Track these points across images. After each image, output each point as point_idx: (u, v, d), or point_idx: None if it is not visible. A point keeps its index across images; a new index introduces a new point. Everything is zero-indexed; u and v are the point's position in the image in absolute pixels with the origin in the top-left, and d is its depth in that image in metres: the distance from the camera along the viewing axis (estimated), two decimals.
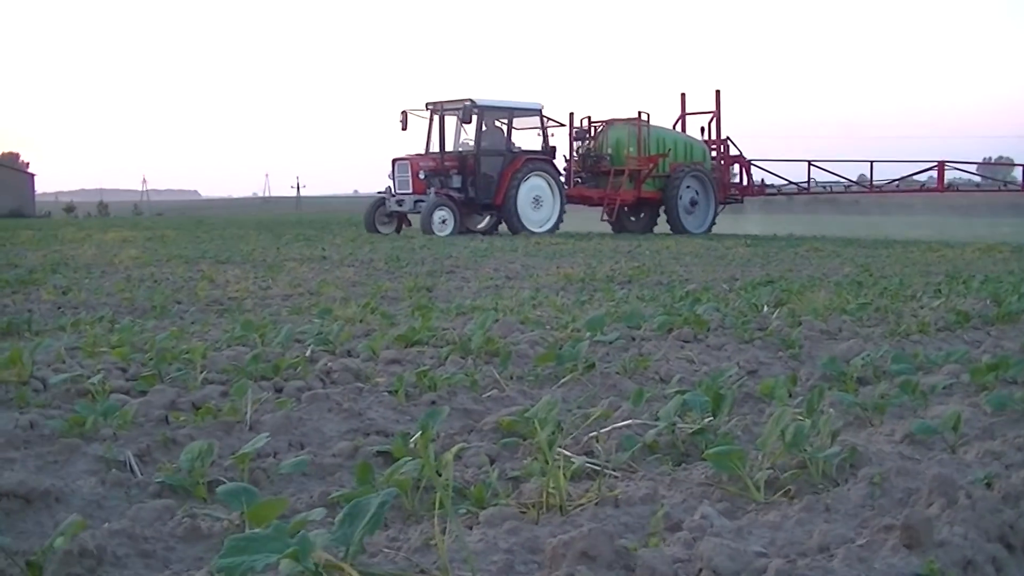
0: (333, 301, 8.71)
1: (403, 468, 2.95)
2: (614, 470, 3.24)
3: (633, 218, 33.85)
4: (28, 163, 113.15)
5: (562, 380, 4.88)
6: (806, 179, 34.80)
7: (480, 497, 2.92)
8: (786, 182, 35.15)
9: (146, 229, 28.85)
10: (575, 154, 33.01)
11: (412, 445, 3.49)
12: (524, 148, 29.87)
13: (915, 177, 34.61)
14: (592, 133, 33.18)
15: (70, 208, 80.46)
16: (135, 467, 3.34)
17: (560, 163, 31.29)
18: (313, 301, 8.78)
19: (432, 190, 27.49)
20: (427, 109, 29.38)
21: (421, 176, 27.82)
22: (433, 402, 4.35)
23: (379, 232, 27.93)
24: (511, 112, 29.68)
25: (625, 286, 11.07)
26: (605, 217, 31.86)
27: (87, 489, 2.99)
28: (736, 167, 34.85)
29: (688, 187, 32.14)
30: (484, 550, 2.36)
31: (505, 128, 29.51)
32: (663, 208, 32.45)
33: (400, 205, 28.15)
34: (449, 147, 29.11)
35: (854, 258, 17.04)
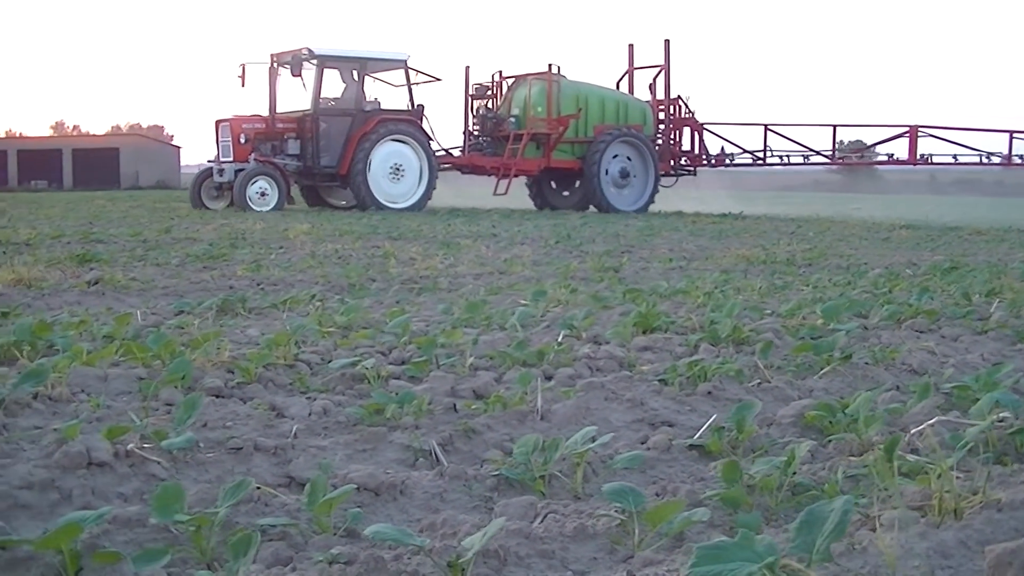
0: (528, 281, 8.64)
1: (756, 468, 2.83)
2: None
3: (566, 192, 29.21)
4: (173, 136, 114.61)
5: (822, 371, 4.73)
6: (762, 147, 29.62)
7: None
8: (740, 150, 29.93)
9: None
10: (473, 115, 28.45)
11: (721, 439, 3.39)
12: (385, 108, 25.18)
13: (882, 146, 29.90)
14: (496, 91, 28.63)
15: None
16: (440, 457, 3.26)
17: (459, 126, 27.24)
18: (507, 281, 8.70)
19: (252, 157, 23.71)
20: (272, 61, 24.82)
21: (242, 140, 23.92)
22: (709, 392, 4.23)
23: (207, 208, 23.82)
24: (362, 64, 25.03)
25: (806, 269, 10.86)
26: (499, 191, 26.83)
27: (426, 481, 2.91)
28: (687, 132, 29.65)
29: (617, 156, 27.25)
30: (902, 555, 2.23)
31: (356, 83, 24.98)
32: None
33: (221, 175, 24.02)
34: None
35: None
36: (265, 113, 24.68)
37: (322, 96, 24.87)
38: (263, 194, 23.20)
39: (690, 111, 29.33)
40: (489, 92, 28.52)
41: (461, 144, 28.14)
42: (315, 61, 24.35)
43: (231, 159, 23.94)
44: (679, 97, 29.21)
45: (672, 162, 29.30)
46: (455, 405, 3.79)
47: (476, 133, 28.27)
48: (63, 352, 4.54)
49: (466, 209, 25.89)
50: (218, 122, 24.67)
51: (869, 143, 30.75)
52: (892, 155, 29.63)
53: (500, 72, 28.60)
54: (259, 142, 24.14)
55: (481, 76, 30.84)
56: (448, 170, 27.30)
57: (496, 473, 2.98)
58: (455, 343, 4.86)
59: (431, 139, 25.44)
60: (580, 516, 2.58)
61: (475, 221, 19.33)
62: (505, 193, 26.72)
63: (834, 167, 32.58)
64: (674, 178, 29.45)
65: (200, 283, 8.12)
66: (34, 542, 2.26)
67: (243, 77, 25.00)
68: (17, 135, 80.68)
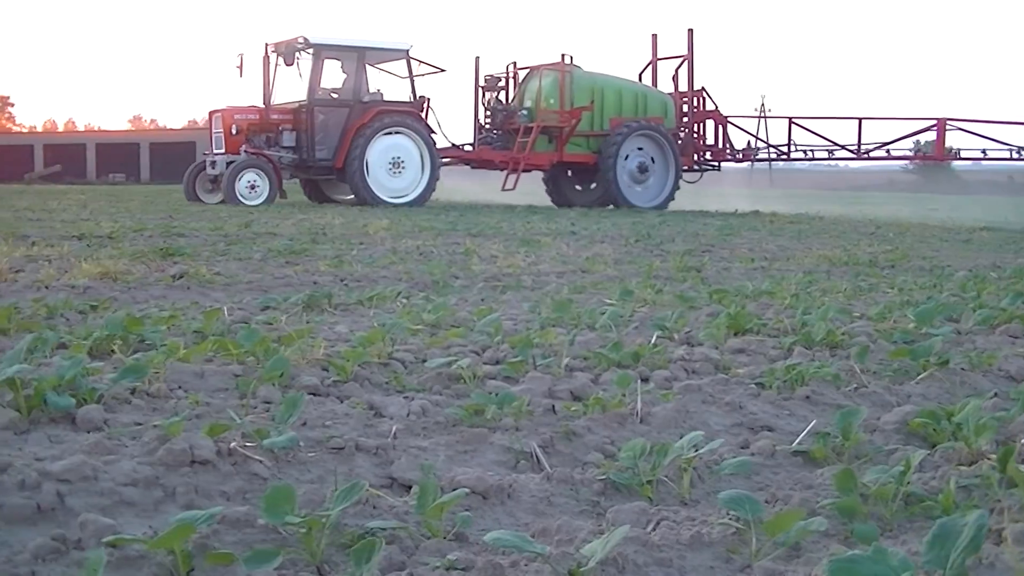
0: (611, 280, 8.60)
1: (869, 476, 2.77)
2: None
3: (579, 187, 28.40)
4: None
5: (919, 376, 4.65)
6: (787, 141, 28.89)
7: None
8: (764, 144, 29.30)
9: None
10: (485, 108, 27.61)
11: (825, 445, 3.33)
12: (386, 99, 24.66)
13: (910, 139, 29.20)
14: (508, 82, 27.76)
15: None
16: (542, 459, 3.23)
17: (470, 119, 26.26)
18: (590, 279, 8.66)
19: (243, 149, 23.10)
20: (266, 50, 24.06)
21: (234, 132, 23.41)
22: (807, 396, 4.17)
23: (202, 201, 23.42)
24: (361, 53, 24.21)
25: (889, 270, 10.75)
26: (507, 186, 26.08)
27: (533, 485, 2.87)
28: (711, 126, 28.78)
29: (636, 150, 26.38)
30: None
31: (354, 74, 24.21)
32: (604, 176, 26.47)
33: (213, 168, 23.46)
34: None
35: None
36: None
37: (322, 87, 24.43)
38: (253, 187, 22.75)
39: (714, 103, 28.50)
40: (500, 84, 27.73)
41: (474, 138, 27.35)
42: (311, 50, 23.73)
43: (223, 151, 23.45)
44: (703, 89, 28.40)
45: (696, 157, 28.56)
46: (554, 407, 3.75)
47: (488, 126, 27.55)
48: (156, 347, 4.56)
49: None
50: (211, 113, 24.31)
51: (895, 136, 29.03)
52: (919, 149, 29.31)
53: (514, 63, 27.88)
54: (253, 134, 23.65)
55: (492, 67, 30.17)
56: (450, 164, 26.82)
57: (603, 477, 2.94)
58: (549, 343, 4.82)
59: (433, 132, 24.75)
60: (693, 523, 2.53)
61: (552, 218, 19.28)
62: (513, 188, 26.05)
63: (910, 166, 31.54)
64: (698, 174, 28.74)
65: (284, 278, 8.13)
66: (147, 541, 2.24)
67: (241, 67, 24.50)
68: (96, 129, 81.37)
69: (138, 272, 8.00)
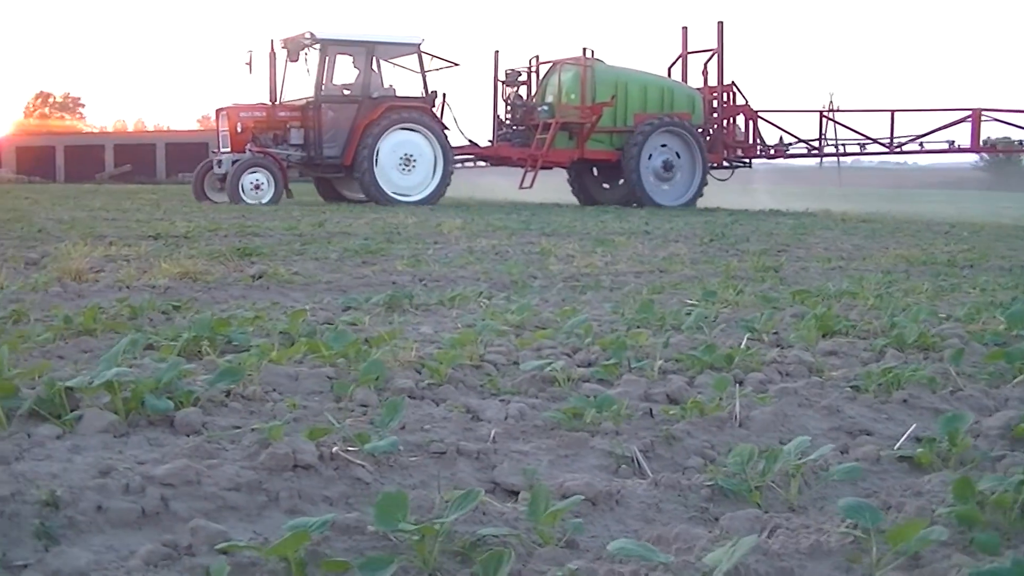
0: (690, 280, 8.55)
1: (984, 484, 2.70)
2: None
3: (606, 185, 27.65)
4: None
5: (1016, 379, 4.57)
6: (819, 135, 27.69)
7: None
8: (795, 139, 27.99)
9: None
10: (506, 103, 26.67)
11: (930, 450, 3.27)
12: (396, 94, 23.89)
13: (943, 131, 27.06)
14: (529, 77, 26.85)
15: None
16: (643, 464, 3.19)
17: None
18: (669, 280, 8.61)
19: (248, 147, 22.50)
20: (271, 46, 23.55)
21: (239, 130, 22.79)
22: (904, 400, 4.11)
23: (211, 200, 22.78)
24: (370, 48, 23.61)
25: (968, 270, 10.62)
26: (524, 184, 25.36)
27: (641, 491, 2.83)
28: (740, 120, 27.63)
29: (662, 147, 25.50)
30: None
31: (366, 69, 23.61)
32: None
33: (219, 167, 22.95)
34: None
35: None
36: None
37: (334, 83, 23.95)
38: (257, 186, 22.17)
39: (744, 98, 27.45)
40: (521, 78, 26.81)
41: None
42: (318, 46, 23.22)
43: (229, 149, 22.99)
44: (733, 83, 27.36)
45: (725, 153, 27.62)
46: (651, 410, 3.71)
47: (508, 122, 26.68)
48: (244, 348, 4.56)
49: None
50: (218, 111, 23.88)
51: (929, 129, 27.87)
52: (953, 142, 27.50)
53: (536, 57, 27.10)
54: (260, 132, 23.14)
55: (512, 62, 29.27)
56: (463, 161, 26.18)
57: (711, 483, 2.90)
58: (640, 345, 4.77)
59: (446, 128, 24.07)
60: (809, 531, 2.48)
61: (625, 218, 19.19)
62: (530, 186, 25.41)
63: (980, 163, 30.63)
64: (729, 171, 27.86)
65: (362, 278, 8.12)
66: (259, 549, 2.22)
67: (250, 64, 23.81)
68: (165, 129, 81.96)
69: (217, 272, 8.02)
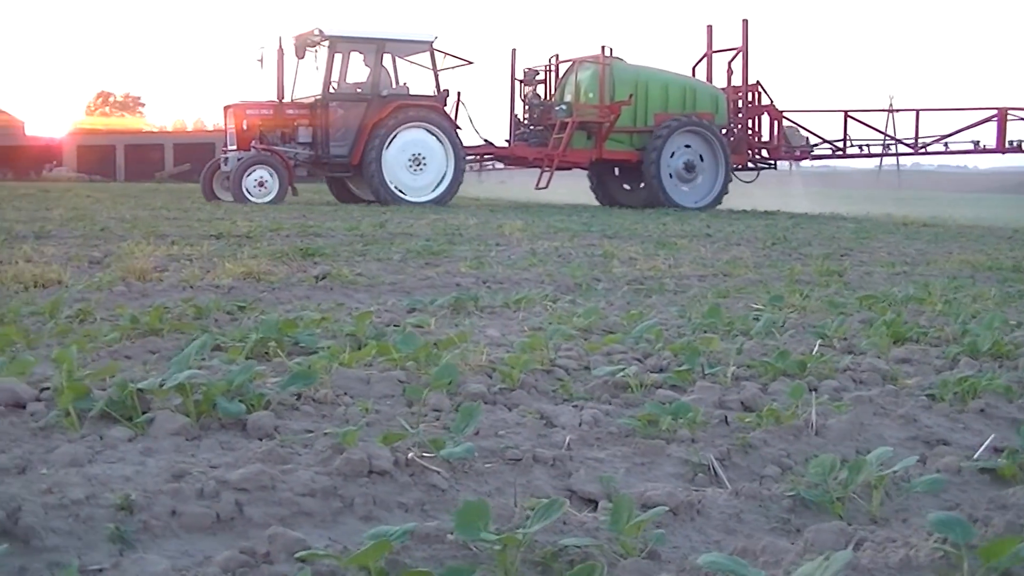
0: (754, 284, 8.49)
1: None
2: None
3: (627, 186, 26.90)
4: None
5: None
6: (842, 136, 26.99)
7: None
8: (819, 140, 27.34)
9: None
10: (524, 102, 26.15)
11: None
12: (410, 93, 23.48)
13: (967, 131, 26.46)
14: (548, 76, 26.37)
15: None
16: (720, 472, 3.14)
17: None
18: (733, 283, 8.55)
19: (252, 144, 22.23)
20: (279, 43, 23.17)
21: (245, 127, 22.54)
22: (981, 410, 4.04)
23: (220, 199, 22.56)
24: (380, 45, 23.13)
25: None
26: (540, 184, 24.96)
27: (721, 501, 2.79)
28: (765, 120, 26.87)
29: (682, 147, 24.80)
30: None
31: (377, 67, 23.20)
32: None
33: (226, 164, 22.73)
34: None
35: None
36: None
37: (348, 82, 23.65)
38: (261, 184, 21.87)
39: (769, 98, 26.71)
40: (539, 77, 26.31)
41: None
42: (326, 43, 22.86)
43: (236, 147, 22.70)
44: (758, 83, 26.70)
45: (750, 154, 27.00)
46: (726, 418, 3.66)
47: (525, 121, 26.11)
48: (311, 350, 4.55)
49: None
50: (225, 108, 23.52)
51: (954, 129, 27.24)
52: (978, 142, 26.87)
53: (556, 56, 26.50)
54: (267, 129, 22.77)
55: (531, 60, 28.83)
56: (479, 161, 26.04)
57: (792, 493, 2.85)
58: (711, 350, 4.72)
59: (459, 127, 23.56)
60: (896, 545, 2.42)
61: (685, 220, 19.10)
62: (546, 187, 24.98)
63: None
64: (754, 172, 27.15)
65: (426, 280, 8.10)
66: (340, 558, 2.19)
67: (262, 60, 23.62)
68: (224, 128, 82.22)
69: (281, 272, 8.02)
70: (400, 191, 22.70)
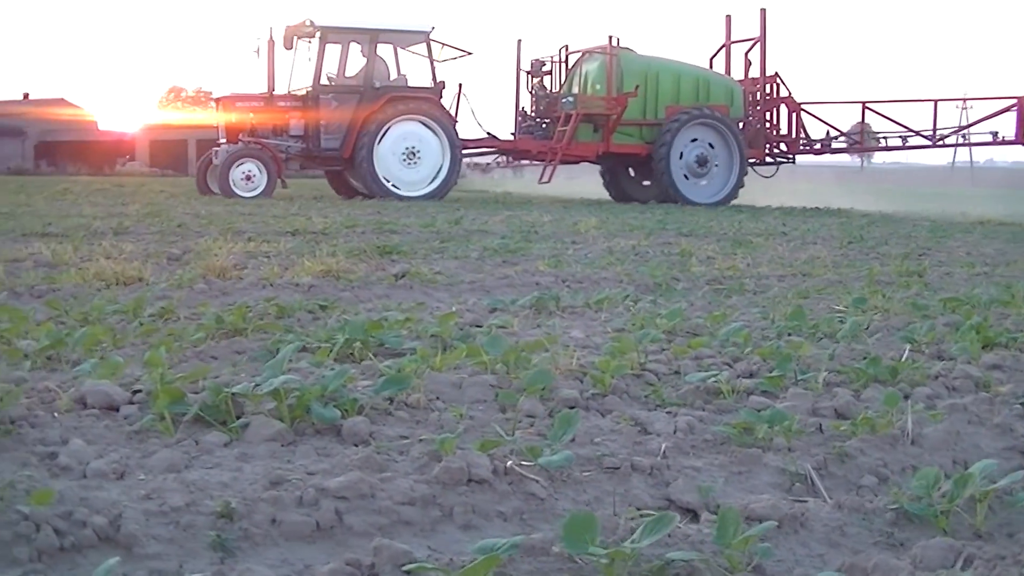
0: (834, 284, 8.42)
1: None
2: None
3: (644, 182, 25.90)
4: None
5: None
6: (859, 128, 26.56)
7: None
8: (837, 133, 26.46)
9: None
10: (531, 94, 25.62)
11: None
12: (406, 84, 23.10)
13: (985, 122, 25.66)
14: (556, 67, 25.57)
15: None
16: (817, 483, 3.10)
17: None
18: (812, 284, 8.47)
19: (242, 137, 21.88)
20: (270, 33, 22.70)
21: (234, 120, 22.17)
22: None
23: (214, 193, 22.23)
24: (373, 35, 22.67)
25: None
26: (543, 179, 24.36)
27: (824, 513, 2.75)
28: (783, 113, 25.88)
29: (694, 140, 23.98)
30: None
31: (371, 58, 22.77)
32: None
33: (216, 157, 22.23)
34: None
35: None
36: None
37: (346, 74, 23.14)
38: (249, 178, 21.52)
39: (787, 89, 25.71)
40: (545, 69, 25.60)
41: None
42: (318, 33, 22.38)
43: (225, 140, 22.38)
44: (776, 74, 25.68)
45: (768, 148, 26.04)
46: (820, 425, 3.62)
47: (532, 114, 25.51)
48: (400, 352, 4.55)
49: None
50: (216, 100, 23.32)
51: (971, 120, 26.35)
52: (996, 133, 26.10)
53: (566, 47, 25.63)
54: (258, 122, 22.40)
55: (537, 51, 28.06)
56: (480, 155, 25.74)
57: (895, 506, 2.81)
58: (800, 355, 4.67)
59: (456, 120, 23.05)
60: (1006, 562, 2.39)
61: (759, 218, 18.99)
62: (548, 181, 24.35)
63: None
64: (773, 167, 26.32)
65: (505, 278, 8.09)
66: (448, 572, 2.18)
67: (259, 51, 22.93)
68: None
69: (359, 270, 8.03)
70: (394, 185, 22.37)
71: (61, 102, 73.38)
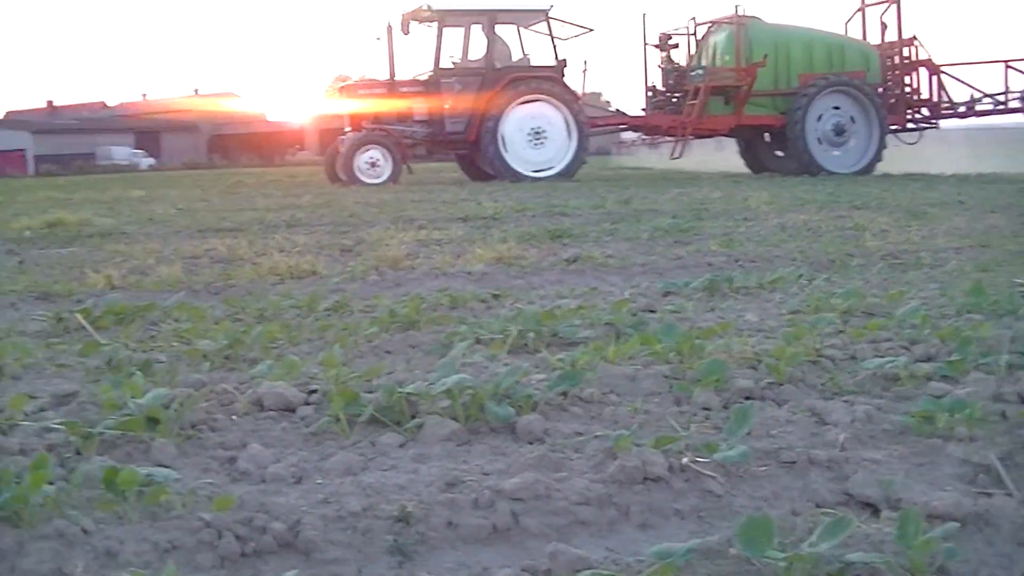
0: (1015, 256, 8.17)
1: None
2: None
3: (780, 152, 25.05)
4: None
5: None
6: (1003, 89, 24.28)
7: None
8: (981, 94, 24.49)
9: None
10: (660, 69, 24.82)
11: None
12: (529, 64, 22.91)
13: None
14: (687, 40, 24.76)
15: None
16: (1004, 475, 3.00)
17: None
18: (991, 255, 8.22)
19: (366, 124, 21.96)
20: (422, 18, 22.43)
21: (357, 107, 22.30)
22: None
23: (342, 181, 22.19)
24: (491, 16, 22.50)
25: None
26: (675, 154, 24.15)
27: (1009, 510, 2.66)
28: (923, 77, 24.58)
29: (832, 109, 23.17)
30: None
31: (492, 39, 22.64)
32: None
33: (343, 145, 22.40)
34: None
35: None
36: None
37: (468, 56, 23.15)
38: (373, 164, 21.61)
39: (927, 53, 24.53)
40: (672, 42, 24.89)
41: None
42: (436, 17, 22.24)
43: (348, 128, 22.63)
44: (914, 36, 24.47)
45: (909, 113, 24.91)
46: (1004, 412, 3.51)
47: (662, 89, 24.90)
48: (574, 342, 4.54)
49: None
50: (339, 89, 23.29)
51: None
52: None
53: (694, 19, 24.89)
54: (382, 109, 22.32)
55: (662, 24, 27.58)
56: (599, 133, 25.24)
57: None
58: (981, 337, 4.52)
59: (579, 97, 22.83)
60: None
61: (933, 186, 18.57)
62: (679, 157, 24.14)
63: None
64: (917, 133, 24.89)
65: (677, 260, 8.03)
66: None
67: (381, 38, 22.81)
68: None
69: (531, 256, 8.05)
70: (521, 167, 22.23)
71: (230, 96, 74.72)
